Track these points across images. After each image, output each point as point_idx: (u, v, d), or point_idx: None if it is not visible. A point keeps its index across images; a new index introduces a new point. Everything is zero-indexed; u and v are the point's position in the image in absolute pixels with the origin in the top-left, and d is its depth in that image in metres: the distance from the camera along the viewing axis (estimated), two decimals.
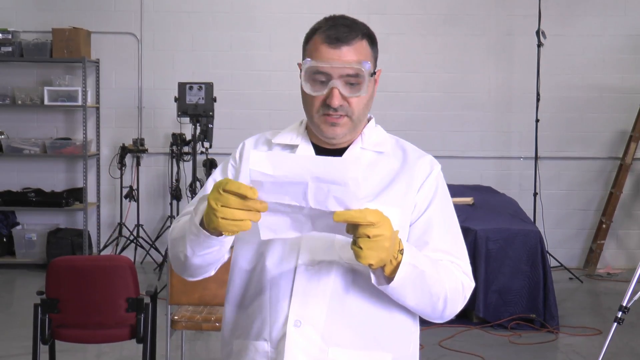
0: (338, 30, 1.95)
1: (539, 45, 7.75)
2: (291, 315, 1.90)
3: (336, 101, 1.92)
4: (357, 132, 2.03)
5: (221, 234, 1.80)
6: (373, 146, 2.03)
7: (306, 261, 1.91)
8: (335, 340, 1.91)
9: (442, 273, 1.90)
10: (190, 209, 2.00)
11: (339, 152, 2.01)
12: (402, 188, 1.98)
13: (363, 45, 1.98)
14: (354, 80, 1.93)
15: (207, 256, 1.91)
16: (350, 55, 1.94)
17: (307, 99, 1.97)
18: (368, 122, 2.09)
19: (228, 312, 2.05)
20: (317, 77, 1.94)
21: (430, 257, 1.91)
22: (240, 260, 2.02)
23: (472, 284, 1.99)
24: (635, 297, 5.17)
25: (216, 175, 2.10)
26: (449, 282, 1.91)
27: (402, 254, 1.79)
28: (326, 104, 1.93)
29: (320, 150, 2.02)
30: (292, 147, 2.04)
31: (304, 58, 1.99)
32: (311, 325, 1.89)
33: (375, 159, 2.02)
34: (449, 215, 2.04)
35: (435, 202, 2.01)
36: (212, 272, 2.03)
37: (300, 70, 1.97)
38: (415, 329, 2.03)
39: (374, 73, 2.00)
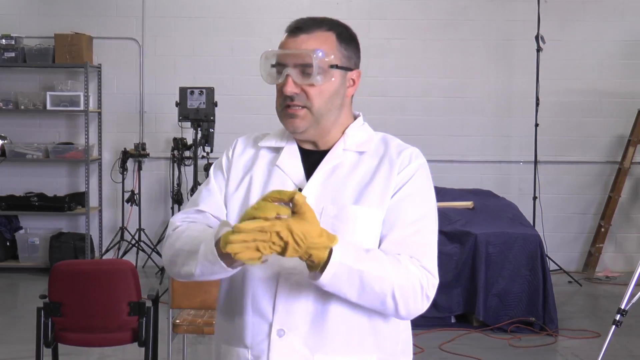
0: (302, 20, 1.96)
1: (538, 50, 7.76)
2: (275, 324, 1.88)
3: (289, 88, 1.91)
4: (328, 129, 1.98)
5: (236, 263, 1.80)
6: (356, 147, 1.98)
7: (288, 268, 1.87)
8: (320, 348, 1.88)
9: (389, 271, 1.81)
10: (191, 215, 2.01)
11: (320, 154, 1.99)
12: (380, 185, 1.92)
13: (326, 36, 1.94)
14: (308, 70, 1.91)
15: (215, 276, 1.90)
16: (306, 43, 1.92)
17: (276, 97, 1.97)
18: (355, 120, 2.05)
19: (217, 316, 2.05)
20: (276, 68, 1.95)
21: (378, 253, 1.84)
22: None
23: (435, 281, 1.89)
24: (634, 300, 5.17)
25: (214, 170, 2.09)
26: (399, 279, 1.81)
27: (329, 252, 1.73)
28: (283, 94, 1.93)
29: (304, 152, 2.00)
30: (278, 150, 2.02)
31: None
32: (295, 334, 1.87)
33: (357, 160, 1.97)
34: (421, 205, 1.94)
35: (407, 188, 1.93)
36: None
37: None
38: (405, 326, 2.00)
39: (337, 67, 1.94)
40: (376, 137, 2.03)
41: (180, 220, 2.03)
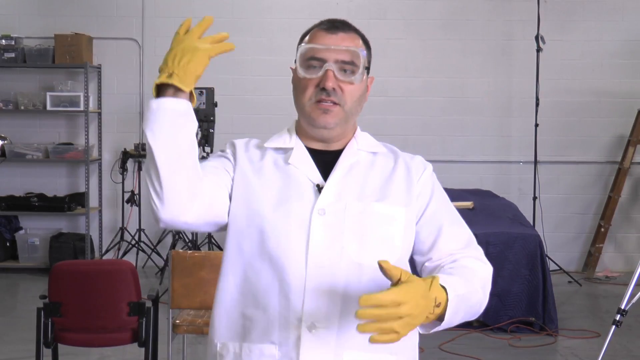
0: (336, 21, 1.98)
1: (538, 50, 7.76)
2: (305, 318, 1.85)
3: (330, 83, 1.89)
4: (347, 130, 2.00)
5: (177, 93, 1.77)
6: (367, 147, 2.02)
7: (316, 262, 1.86)
8: (349, 344, 1.86)
9: (475, 282, 1.91)
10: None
11: (333, 153, 1.99)
12: (401, 185, 1.97)
13: (357, 39, 1.98)
14: (348, 67, 1.92)
15: (172, 142, 1.79)
16: (346, 41, 1.94)
17: (299, 87, 1.95)
18: (356, 128, 2.07)
19: (220, 311, 1.96)
20: (311, 62, 1.92)
21: (458, 269, 1.91)
22: (236, 257, 1.94)
23: (490, 268, 2.03)
24: (634, 300, 5.17)
25: (213, 161, 2.00)
26: (481, 286, 1.94)
27: (445, 292, 1.74)
28: (320, 88, 1.91)
29: (313, 153, 1.99)
30: (286, 150, 2.00)
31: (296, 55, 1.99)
32: (326, 329, 1.85)
33: (372, 159, 2.00)
34: (451, 206, 2.07)
35: (436, 196, 2.02)
36: (193, 200, 1.84)
37: (295, 62, 1.96)
38: (416, 330, 1.99)
39: (368, 69, 1.99)
40: (379, 142, 2.07)
41: None
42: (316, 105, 1.92)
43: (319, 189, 1.92)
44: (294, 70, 1.98)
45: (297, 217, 1.89)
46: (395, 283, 1.67)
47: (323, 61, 1.91)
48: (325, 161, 1.98)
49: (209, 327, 2.02)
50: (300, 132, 2.03)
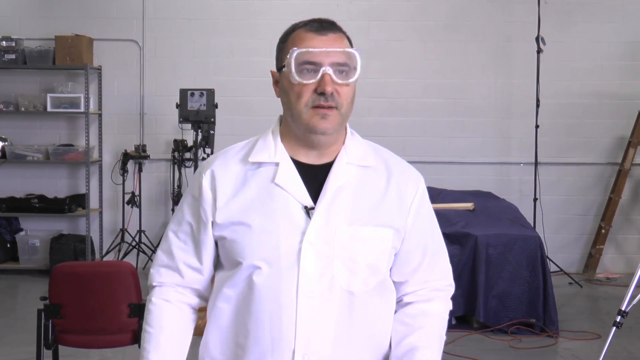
0: (321, 22, 1.90)
1: (539, 51, 7.77)
2: (298, 349, 1.83)
3: (329, 87, 1.82)
4: (340, 137, 1.93)
5: None
6: (358, 160, 1.92)
7: (307, 292, 1.84)
8: None
9: (441, 331, 2.00)
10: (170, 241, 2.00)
11: (321, 167, 1.91)
12: (392, 207, 1.93)
13: (345, 39, 1.92)
14: (344, 68, 1.85)
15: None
16: (337, 42, 1.87)
17: (292, 95, 1.86)
18: (345, 130, 1.98)
19: (213, 337, 1.95)
20: (305, 66, 1.84)
21: (431, 324, 1.98)
22: (227, 287, 1.92)
23: (452, 290, 2.07)
24: (634, 302, 5.17)
25: (189, 217, 1.96)
26: (444, 324, 2.02)
27: None
28: (317, 93, 1.83)
29: (301, 167, 1.90)
30: (273, 165, 1.90)
31: (279, 59, 1.92)
32: (318, 357, 1.85)
33: (362, 175, 1.92)
34: (438, 230, 2.06)
35: (427, 221, 2.01)
36: None
37: (281, 68, 1.90)
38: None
39: (358, 69, 1.91)
40: (369, 149, 1.98)
41: (157, 280, 2.02)
42: (314, 111, 1.85)
43: (307, 210, 1.87)
44: (280, 76, 1.91)
45: (287, 244, 1.85)
46: None
47: (318, 65, 1.84)
48: (314, 178, 1.90)
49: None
50: (286, 140, 1.94)
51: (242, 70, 8.27)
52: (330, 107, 1.85)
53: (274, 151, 1.92)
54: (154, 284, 2.01)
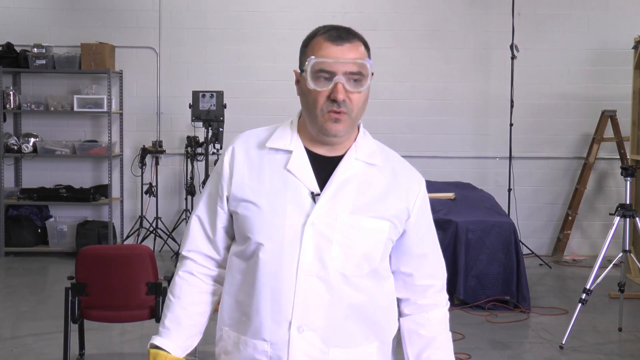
0: (339, 30, 1.85)
1: (513, 57, 7.75)
2: (294, 321, 1.82)
3: (341, 95, 1.79)
4: (352, 135, 1.91)
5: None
6: (366, 157, 1.90)
7: (306, 270, 1.82)
8: (334, 342, 1.85)
9: (449, 336, 2.05)
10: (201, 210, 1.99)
11: (332, 160, 1.89)
12: (393, 203, 1.90)
13: (360, 46, 1.88)
14: (356, 77, 1.82)
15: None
16: (352, 52, 1.84)
17: (309, 98, 1.84)
18: (359, 129, 1.96)
19: (225, 302, 1.94)
20: (321, 74, 1.81)
21: (441, 330, 2.04)
22: (238, 258, 1.91)
23: (446, 309, 2.09)
24: (598, 281, 5.18)
25: (211, 189, 1.97)
26: (448, 326, 2.08)
27: None
28: (330, 99, 1.80)
29: (313, 157, 1.88)
30: (287, 152, 1.89)
31: (301, 61, 1.87)
32: (312, 330, 1.83)
33: (368, 171, 1.90)
34: (434, 230, 2.05)
35: (426, 223, 2.00)
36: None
37: (302, 71, 1.86)
38: (395, 308, 2.01)
39: (372, 74, 1.89)
40: (377, 148, 1.95)
41: (186, 250, 2.01)
42: (328, 115, 1.82)
43: (314, 196, 1.85)
44: (301, 77, 1.87)
45: (292, 226, 1.83)
46: None
47: (332, 74, 1.80)
48: (324, 168, 1.88)
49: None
50: (302, 131, 1.91)
51: (248, 74, 8.24)
52: (341, 112, 1.82)
53: (290, 140, 1.90)
54: (182, 252, 2.02)
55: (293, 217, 1.83)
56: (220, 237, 1.97)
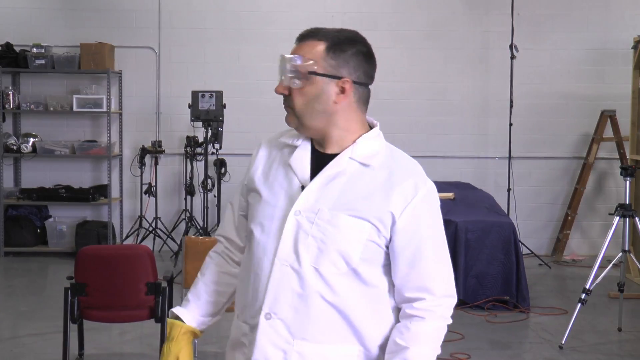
0: (306, 30, 1.94)
1: (512, 57, 7.75)
2: (264, 308, 1.86)
3: (278, 88, 1.91)
4: (334, 134, 1.90)
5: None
6: (361, 158, 1.88)
7: (282, 259, 1.85)
8: (301, 334, 1.85)
9: (428, 354, 1.90)
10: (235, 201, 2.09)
11: (329, 156, 1.91)
12: (377, 205, 1.84)
13: (314, 45, 1.88)
14: (292, 74, 1.88)
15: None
16: (303, 49, 1.90)
17: None
18: (371, 129, 1.96)
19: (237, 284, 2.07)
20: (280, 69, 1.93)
21: (413, 350, 1.86)
22: (245, 245, 2.04)
23: (454, 300, 1.96)
24: (597, 281, 5.18)
25: (243, 179, 2.09)
26: (432, 341, 1.91)
27: None
28: None
29: (316, 154, 1.93)
30: (293, 147, 1.95)
31: None
32: (280, 320, 1.85)
33: (360, 171, 1.88)
34: (436, 241, 1.93)
35: (422, 229, 1.88)
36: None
37: None
38: (392, 323, 1.92)
39: (316, 73, 1.86)
40: (386, 150, 1.92)
41: (217, 234, 2.14)
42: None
43: (303, 188, 1.89)
44: None
45: (279, 216, 1.89)
46: None
47: (281, 70, 1.92)
48: (321, 164, 1.90)
49: None
50: None
51: (247, 74, 8.24)
52: (286, 106, 1.92)
53: (298, 136, 1.97)
54: (216, 235, 2.16)
55: (282, 207, 1.90)
56: (242, 224, 2.07)
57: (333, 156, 1.91)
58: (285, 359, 1.86)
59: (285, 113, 1.94)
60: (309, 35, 1.91)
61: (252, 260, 1.92)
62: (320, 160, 1.92)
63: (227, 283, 2.09)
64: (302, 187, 1.89)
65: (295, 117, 1.91)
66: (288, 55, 1.89)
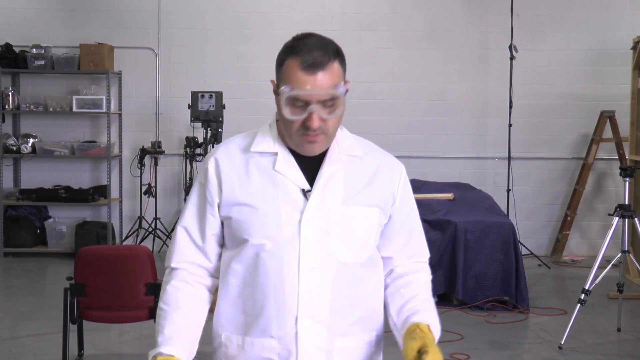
0: (312, 55, 1.80)
1: (511, 58, 7.75)
2: (300, 315, 1.85)
3: (315, 124, 1.80)
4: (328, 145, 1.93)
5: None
6: (347, 150, 1.94)
7: (308, 264, 1.85)
8: (338, 331, 1.89)
9: (431, 297, 2.02)
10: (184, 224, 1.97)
11: (315, 158, 1.91)
12: (380, 190, 1.94)
13: (335, 67, 1.83)
14: (330, 104, 1.81)
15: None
16: (325, 80, 1.80)
17: (286, 121, 1.85)
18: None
19: (222, 308, 1.94)
20: (296, 102, 1.81)
21: (424, 290, 2.00)
22: (234, 262, 1.91)
23: (429, 274, 2.09)
24: (597, 281, 5.19)
25: (197, 199, 1.95)
26: (431, 291, 2.04)
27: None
28: (305, 125, 1.82)
29: (297, 157, 1.90)
30: (272, 154, 1.91)
31: (278, 80, 1.87)
32: (319, 322, 1.86)
33: (352, 163, 1.93)
34: (417, 211, 2.07)
35: (410, 204, 2.03)
36: None
37: (276, 89, 1.86)
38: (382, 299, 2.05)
39: (346, 91, 1.85)
40: (356, 142, 1.97)
41: (171, 262, 1.97)
42: (303, 137, 1.84)
43: (305, 193, 1.88)
44: (276, 96, 1.86)
45: (288, 223, 1.86)
46: (419, 351, 1.78)
47: (307, 103, 1.80)
48: (309, 166, 1.91)
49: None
50: (282, 133, 1.92)
51: (246, 74, 8.24)
52: (317, 135, 1.85)
53: (273, 143, 1.92)
54: (170, 265, 1.99)
55: (288, 215, 1.87)
56: (211, 245, 1.96)
57: (317, 156, 1.91)
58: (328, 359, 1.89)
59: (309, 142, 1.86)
60: (327, 58, 1.82)
61: (266, 273, 1.86)
62: (306, 163, 1.91)
63: (203, 311, 1.97)
64: (303, 191, 1.88)
65: (326, 141, 1.88)
66: (330, 90, 1.81)
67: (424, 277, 2.04)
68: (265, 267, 1.86)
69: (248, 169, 1.91)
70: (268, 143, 1.92)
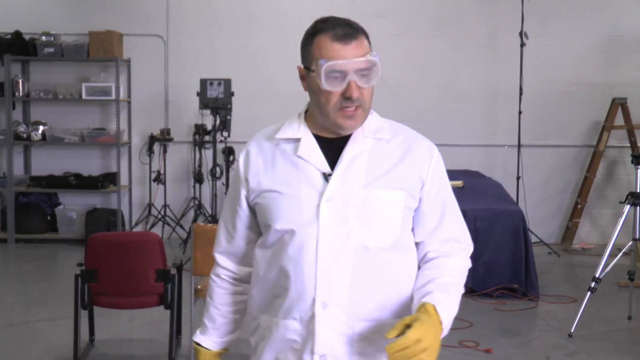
0: (343, 27, 1.87)
1: (522, 45, 7.72)
2: (318, 298, 1.85)
3: (356, 93, 1.84)
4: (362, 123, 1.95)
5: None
6: (373, 133, 1.94)
7: (326, 247, 1.86)
8: (359, 316, 1.88)
9: (459, 282, 1.98)
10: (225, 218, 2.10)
11: (340, 140, 1.93)
12: (405, 171, 1.93)
13: (364, 40, 1.90)
14: (366, 72, 1.86)
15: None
16: (360, 49, 1.86)
17: (321, 97, 1.87)
18: None
19: (254, 293, 2.00)
20: (333, 74, 1.84)
21: (449, 274, 1.95)
22: (263, 247, 1.98)
23: (471, 250, 2.06)
24: (607, 270, 5.18)
25: (231, 191, 2.06)
26: (463, 277, 2.00)
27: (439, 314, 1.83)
28: (344, 97, 1.85)
29: (321, 141, 1.93)
30: (296, 141, 1.94)
31: (309, 60, 1.89)
32: (337, 306, 1.86)
33: (378, 146, 1.94)
34: (452, 196, 2.07)
35: (442, 187, 2.02)
36: None
37: (308, 69, 1.89)
38: (410, 293, 1.99)
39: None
40: (386, 124, 1.99)
41: (215, 253, 2.13)
42: (340, 112, 1.87)
43: (326, 177, 1.89)
44: (308, 76, 1.90)
45: (308, 206, 1.88)
46: (408, 326, 1.73)
47: (344, 73, 1.84)
48: (333, 148, 1.92)
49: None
50: (310, 119, 1.96)
51: (256, 61, 8.24)
52: (357, 108, 1.87)
53: (297, 129, 1.96)
54: (214, 254, 2.14)
55: (308, 198, 1.89)
56: (241, 236, 2.06)
57: (342, 139, 1.93)
58: (348, 344, 1.88)
59: (347, 116, 1.87)
60: (356, 31, 1.89)
61: (287, 255, 1.89)
62: (329, 146, 1.93)
63: (235, 301, 2.12)
64: (324, 174, 1.90)
65: (363, 115, 1.90)
66: (369, 57, 1.87)
67: (455, 261, 1.99)
68: (286, 249, 1.89)
69: (274, 156, 1.96)
70: (293, 130, 1.96)
